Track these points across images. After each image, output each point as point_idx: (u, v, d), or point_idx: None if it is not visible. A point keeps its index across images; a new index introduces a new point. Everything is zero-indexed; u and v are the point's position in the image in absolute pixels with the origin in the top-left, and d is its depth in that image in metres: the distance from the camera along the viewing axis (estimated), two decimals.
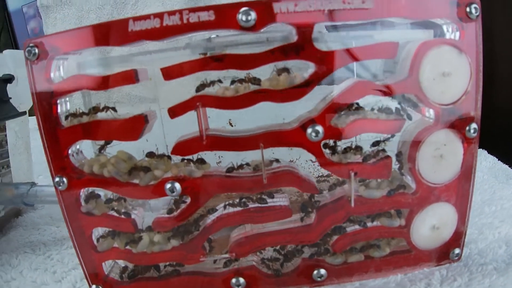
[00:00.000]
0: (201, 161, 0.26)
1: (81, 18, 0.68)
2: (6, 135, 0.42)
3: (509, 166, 0.39)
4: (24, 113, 0.39)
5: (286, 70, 0.24)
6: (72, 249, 0.28)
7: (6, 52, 0.37)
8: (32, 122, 0.31)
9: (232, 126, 0.30)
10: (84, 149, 0.27)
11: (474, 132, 0.25)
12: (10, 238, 0.40)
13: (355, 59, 0.23)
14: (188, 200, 0.26)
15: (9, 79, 0.35)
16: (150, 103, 0.29)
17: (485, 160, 0.42)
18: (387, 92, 0.24)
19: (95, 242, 0.28)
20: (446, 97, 0.24)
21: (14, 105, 0.37)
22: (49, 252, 0.36)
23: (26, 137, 0.47)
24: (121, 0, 0.68)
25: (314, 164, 0.32)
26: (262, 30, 0.23)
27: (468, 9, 0.23)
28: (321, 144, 0.24)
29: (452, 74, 0.24)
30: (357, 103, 0.25)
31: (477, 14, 0.23)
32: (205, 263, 0.29)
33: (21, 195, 0.39)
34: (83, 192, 0.27)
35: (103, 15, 0.68)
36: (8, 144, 0.42)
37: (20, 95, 0.36)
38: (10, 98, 0.34)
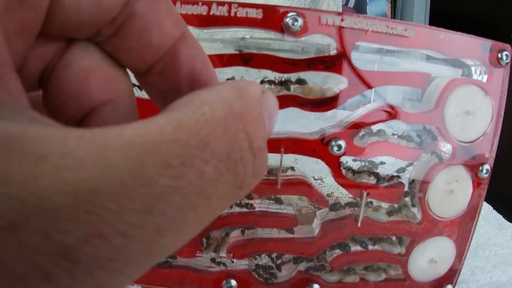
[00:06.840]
0: None
1: None
2: None
3: (502, 216, 0.40)
4: None
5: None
6: None
7: None
8: None
9: None
10: None
11: (486, 173, 0.26)
12: None
13: (388, 82, 0.23)
14: None
15: None
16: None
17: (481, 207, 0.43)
18: (412, 119, 0.24)
19: None
20: (466, 135, 0.25)
21: None
22: None
23: None
24: None
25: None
26: (302, 38, 0.23)
27: (499, 55, 0.24)
28: (339, 160, 0.25)
29: (475, 113, 0.24)
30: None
31: (507, 61, 0.24)
32: (198, 260, 0.28)
33: None
34: None
35: None
36: None
37: None
38: None
